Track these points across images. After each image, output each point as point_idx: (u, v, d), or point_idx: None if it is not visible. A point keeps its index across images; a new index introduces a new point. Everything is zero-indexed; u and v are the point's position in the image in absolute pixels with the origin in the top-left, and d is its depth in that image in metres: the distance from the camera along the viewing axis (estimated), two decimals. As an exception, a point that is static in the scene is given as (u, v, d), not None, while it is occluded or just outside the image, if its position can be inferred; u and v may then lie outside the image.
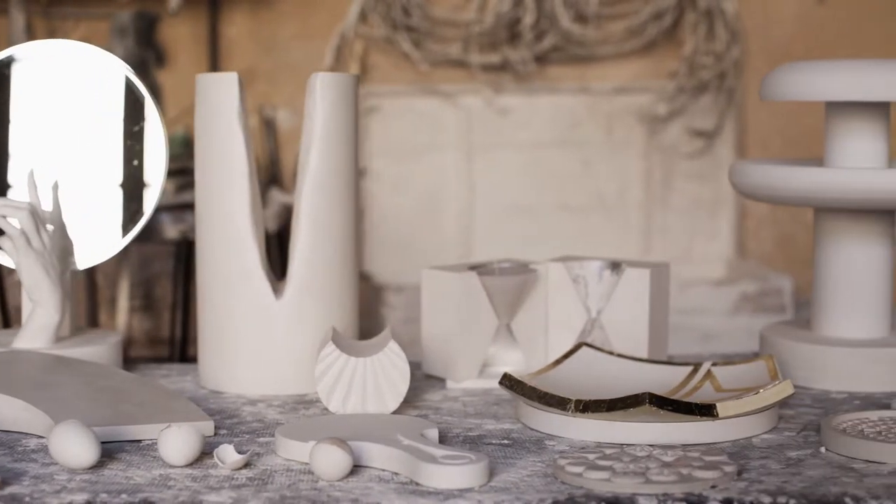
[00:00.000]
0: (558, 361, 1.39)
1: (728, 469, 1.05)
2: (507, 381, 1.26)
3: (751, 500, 1.01)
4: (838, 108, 1.49)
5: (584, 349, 1.41)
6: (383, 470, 1.10)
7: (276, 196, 2.66)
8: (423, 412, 1.34)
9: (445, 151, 3.07)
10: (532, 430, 1.25)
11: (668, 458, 1.08)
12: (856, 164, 1.48)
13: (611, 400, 1.19)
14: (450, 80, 3.09)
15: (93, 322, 2.54)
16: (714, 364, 1.37)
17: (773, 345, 1.50)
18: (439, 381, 1.48)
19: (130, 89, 1.55)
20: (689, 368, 1.38)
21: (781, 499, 1.01)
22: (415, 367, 1.46)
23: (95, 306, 2.54)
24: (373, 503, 1.00)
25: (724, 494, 1.01)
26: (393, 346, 1.30)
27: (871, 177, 1.41)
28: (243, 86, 1.47)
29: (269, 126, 2.99)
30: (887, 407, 1.35)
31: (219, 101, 1.44)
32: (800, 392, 1.43)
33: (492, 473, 1.08)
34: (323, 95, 1.44)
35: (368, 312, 2.78)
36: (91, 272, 2.60)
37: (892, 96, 1.43)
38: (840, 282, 1.49)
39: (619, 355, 1.41)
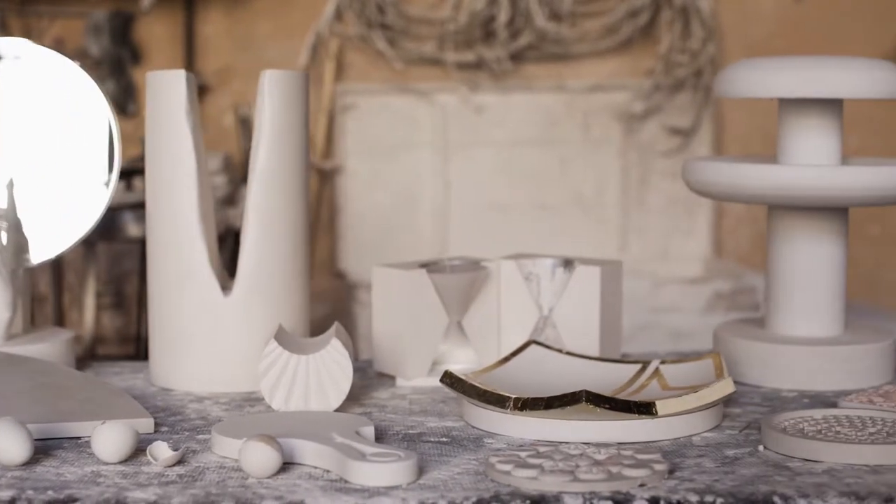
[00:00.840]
0: (506, 359, 1.38)
1: (659, 467, 1.05)
2: (448, 378, 1.26)
3: (678, 498, 1.00)
4: (791, 105, 1.48)
5: (533, 347, 1.41)
6: (315, 467, 1.10)
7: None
8: (368, 410, 1.33)
9: (421, 150, 3.06)
10: (474, 427, 1.25)
11: (600, 457, 1.08)
12: (809, 162, 1.47)
13: (548, 398, 1.18)
14: (425, 79, 3.08)
15: (59, 320, 2.54)
16: (662, 362, 1.36)
17: (726, 343, 1.49)
18: (390, 379, 1.48)
19: (86, 88, 1.54)
20: (638, 366, 1.37)
21: (709, 497, 1.00)
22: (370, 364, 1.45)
23: (61, 304, 2.54)
24: (297, 500, 1.00)
25: (651, 493, 1.01)
26: (335, 343, 1.29)
27: (823, 174, 1.40)
28: (193, 84, 1.46)
29: (244, 124, 2.98)
30: (834, 405, 1.34)
31: (167, 99, 1.43)
32: (750, 391, 1.42)
33: (422, 471, 1.08)
34: (271, 93, 1.43)
35: (343, 310, 2.77)
36: (60, 271, 2.60)
37: (843, 93, 1.42)
38: (793, 280, 1.48)
39: (569, 353, 1.40)
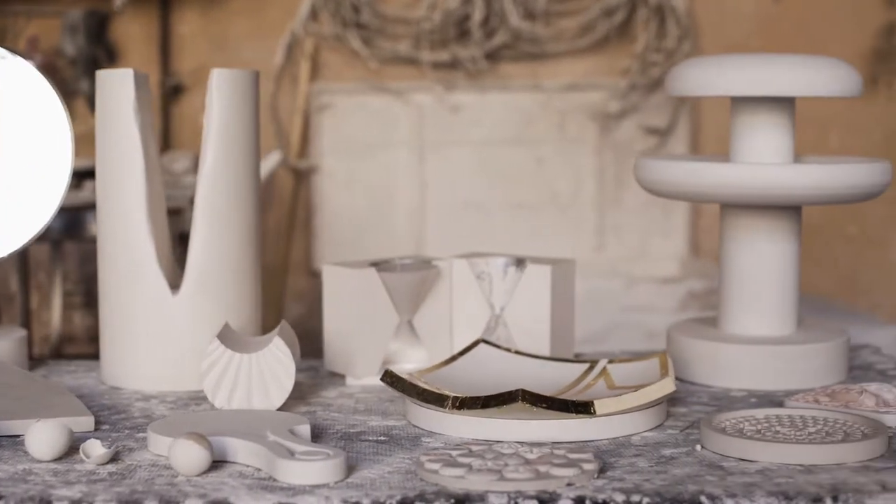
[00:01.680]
0: (453, 358, 1.38)
1: (588, 467, 1.04)
2: (389, 377, 1.25)
3: (604, 498, 1.00)
4: (743, 104, 1.48)
5: (482, 346, 1.40)
6: (247, 466, 1.09)
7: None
8: (314, 408, 1.33)
9: (397, 149, 3.06)
10: (415, 427, 1.24)
11: (532, 456, 1.07)
12: (761, 160, 1.47)
13: (485, 397, 1.18)
14: (401, 78, 3.08)
15: (26, 319, 2.53)
16: (610, 362, 1.36)
17: (678, 342, 1.48)
18: (341, 378, 1.47)
19: (40, 88, 1.53)
20: (586, 366, 1.36)
21: (636, 497, 1.00)
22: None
23: (28, 304, 2.53)
24: (221, 498, 0.99)
25: (577, 493, 1.00)
26: (277, 342, 1.29)
27: (772, 172, 1.40)
28: (144, 83, 1.45)
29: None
30: (780, 405, 1.33)
31: (116, 97, 1.43)
32: (700, 390, 1.42)
33: (353, 470, 1.07)
34: (219, 92, 1.43)
35: (319, 310, 2.76)
36: (27, 270, 2.59)
37: (792, 91, 1.41)
38: (745, 279, 1.48)
39: (517, 352, 1.40)
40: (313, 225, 3.11)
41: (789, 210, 1.47)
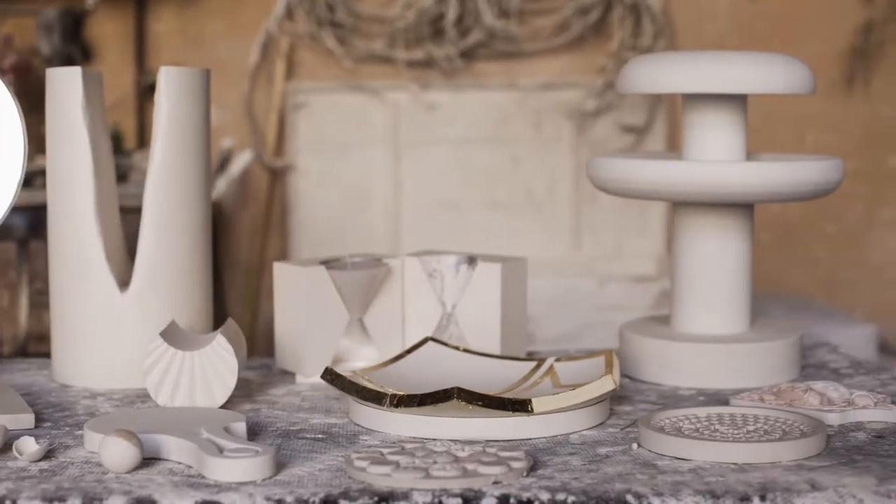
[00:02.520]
0: (401, 356, 1.37)
1: (517, 465, 1.04)
2: (329, 375, 1.25)
3: (529, 496, 0.99)
4: (694, 101, 1.47)
5: (430, 344, 1.40)
6: (179, 463, 1.09)
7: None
8: (259, 406, 1.33)
9: (373, 148, 3.05)
10: (356, 425, 1.24)
11: (463, 454, 1.07)
12: (712, 158, 1.46)
13: (422, 395, 1.17)
14: (377, 77, 3.07)
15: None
16: (557, 360, 1.35)
17: (629, 341, 1.48)
18: (292, 376, 1.47)
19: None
20: (534, 364, 1.36)
21: (561, 495, 0.99)
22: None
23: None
24: (145, 496, 0.99)
25: (502, 491, 1.00)
26: (220, 339, 1.28)
27: (722, 170, 1.39)
28: (95, 82, 1.45)
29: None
30: (726, 403, 1.33)
31: (64, 96, 1.43)
32: (648, 388, 1.41)
33: (284, 467, 1.07)
34: (167, 90, 1.42)
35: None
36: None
37: (742, 89, 1.41)
38: (696, 277, 1.47)
39: (466, 350, 1.39)
40: (289, 223, 3.10)
41: (741, 208, 1.46)
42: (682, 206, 1.48)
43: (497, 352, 1.46)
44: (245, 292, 3.06)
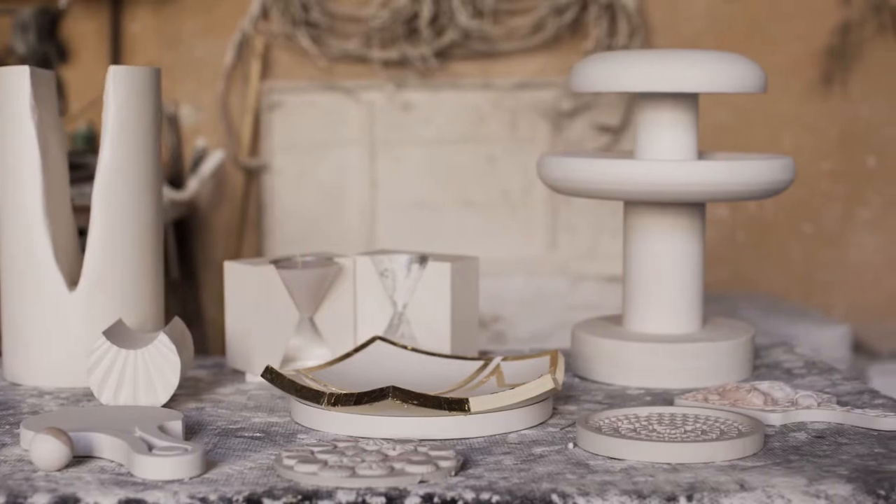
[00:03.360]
0: (348, 355, 1.37)
1: (445, 464, 1.03)
2: (269, 374, 1.25)
3: (453, 495, 0.99)
4: (646, 100, 1.47)
5: (378, 343, 1.40)
6: (111, 461, 1.09)
7: (163, 191, 2.65)
8: (204, 405, 1.32)
9: (348, 147, 3.05)
10: (297, 424, 1.24)
11: (393, 453, 1.07)
12: (662, 157, 1.46)
13: (358, 394, 1.17)
14: (352, 76, 3.07)
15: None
16: (504, 359, 1.35)
17: (581, 340, 1.48)
18: (242, 375, 1.47)
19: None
20: (481, 363, 1.36)
21: (485, 495, 0.99)
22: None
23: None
24: (69, 493, 0.99)
25: (427, 490, 1.00)
26: (162, 338, 1.28)
27: (671, 169, 1.39)
28: (46, 81, 1.45)
29: (171, 122, 2.97)
30: (671, 403, 1.33)
31: (12, 94, 1.42)
32: (597, 388, 1.41)
33: (213, 465, 1.07)
34: (115, 89, 1.42)
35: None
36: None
37: (691, 87, 1.41)
38: (647, 276, 1.47)
39: (413, 349, 1.39)
40: (264, 223, 3.10)
41: (692, 207, 1.46)
42: (632, 205, 1.48)
43: (447, 351, 1.45)
44: (220, 292, 3.06)
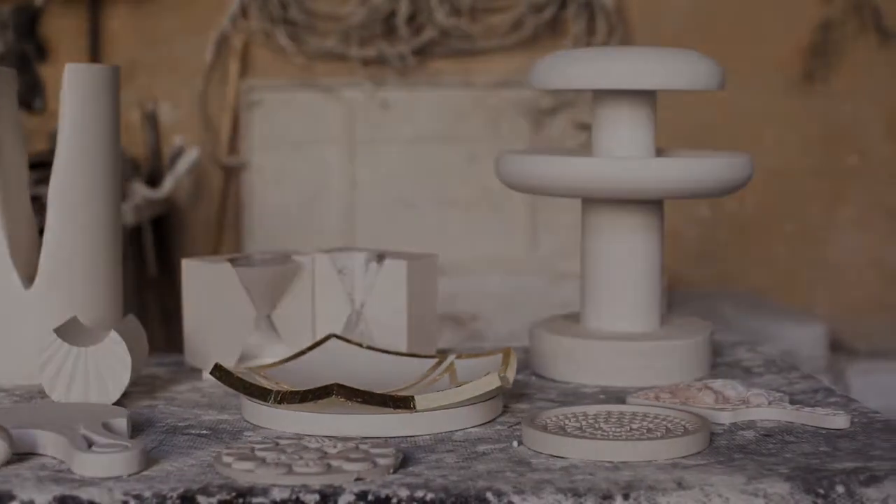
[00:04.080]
0: (302, 353, 1.37)
1: (383, 462, 1.04)
2: (217, 371, 1.25)
3: (388, 493, 0.99)
4: (603, 97, 1.47)
5: (333, 341, 1.40)
6: (54, 458, 1.09)
7: (139, 189, 2.65)
8: (157, 402, 1.32)
9: (328, 146, 3.05)
10: (246, 422, 1.24)
11: (333, 451, 1.07)
12: (620, 154, 1.46)
13: (303, 391, 1.17)
14: (332, 74, 3.07)
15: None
16: (458, 357, 1.35)
17: (538, 338, 1.48)
18: (200, 373, 1.47)
19: None
20: (435, 361, 1.36)
21: (420, 492, 0.99)
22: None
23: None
24: (3, 490, 0.99)
25: (362, 487, 1.00)
26: (113, 335, 1.28)
27: (626, 166, 1.39)
28: (5, 78, 1.45)
29: (150, 120, 2.97)
30: (622, 401, 1.33)
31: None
32: (553, 386, 1.41)
33: (153, 462, 1.07)
34: (71, 87, 1.42)
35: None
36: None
37: (647, 85, 1.41)
38: (605, 274, 1.47)
39: (368, 347, 1.39)
40: (243, 221, 3.10)
41: (648, 204, 1.46)
42: (589, 202, 1.48)
43: (402, 349, 1.45)
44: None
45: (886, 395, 2.74)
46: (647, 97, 1.46)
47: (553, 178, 1.42)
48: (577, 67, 1.42)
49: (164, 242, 2.87)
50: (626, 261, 1.46)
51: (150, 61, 3.07)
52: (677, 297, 2.97)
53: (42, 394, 1.37)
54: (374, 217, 3.08)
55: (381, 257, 1.48)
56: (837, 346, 3.04)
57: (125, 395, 1.32)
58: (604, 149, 1.47)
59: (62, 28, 3.06)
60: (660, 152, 1.55)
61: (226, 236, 3.04)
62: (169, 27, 3.07)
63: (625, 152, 1.46)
